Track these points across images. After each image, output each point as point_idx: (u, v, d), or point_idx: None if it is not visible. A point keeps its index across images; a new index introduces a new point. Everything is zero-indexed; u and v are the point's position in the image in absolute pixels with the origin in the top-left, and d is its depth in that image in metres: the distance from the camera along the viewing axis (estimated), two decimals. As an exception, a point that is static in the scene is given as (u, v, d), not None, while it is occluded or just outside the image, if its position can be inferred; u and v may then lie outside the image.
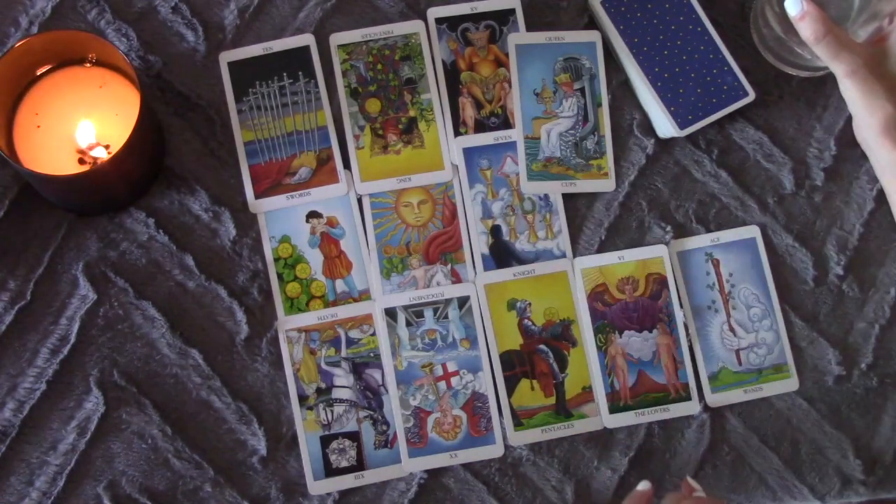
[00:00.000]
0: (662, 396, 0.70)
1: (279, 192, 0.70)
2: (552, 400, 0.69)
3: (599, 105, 0.73)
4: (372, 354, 0.69)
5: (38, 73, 0.67)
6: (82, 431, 0.66)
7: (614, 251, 0.72)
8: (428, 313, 0.70)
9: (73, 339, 0.67)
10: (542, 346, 0.70)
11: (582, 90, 0.73)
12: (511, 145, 0.72)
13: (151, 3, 0.72)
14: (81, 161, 0.66)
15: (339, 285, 0.70)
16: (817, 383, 0.71)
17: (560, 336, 0.70)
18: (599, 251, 0.72)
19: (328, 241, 0.70)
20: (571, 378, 0.70)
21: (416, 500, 0.68)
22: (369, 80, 0.72)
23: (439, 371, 0.69)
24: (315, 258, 0.70)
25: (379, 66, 0.73)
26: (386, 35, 0.73)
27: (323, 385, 0.68)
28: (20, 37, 0.70)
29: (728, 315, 0.71)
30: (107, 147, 0.66)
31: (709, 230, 0.72)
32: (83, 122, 0.66)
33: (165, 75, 0.71)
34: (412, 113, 0.72)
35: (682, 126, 0.71)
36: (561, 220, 0.72)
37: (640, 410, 0.69)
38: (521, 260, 0.71)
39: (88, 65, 0.67)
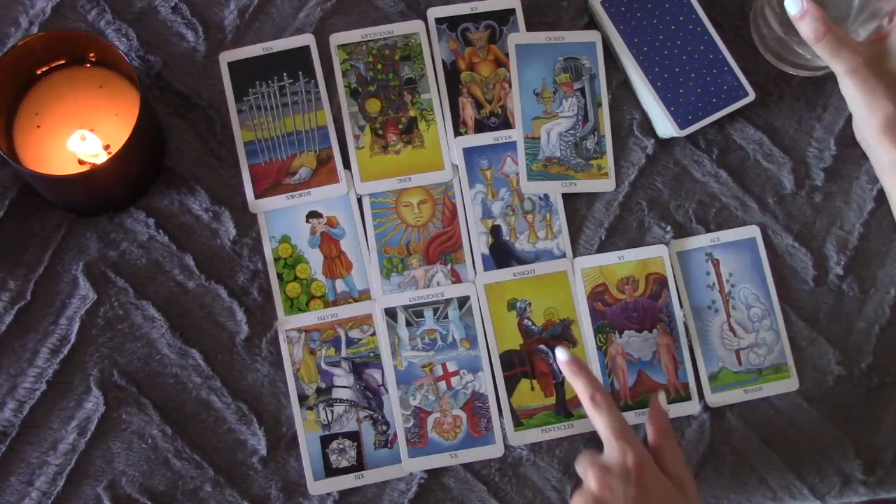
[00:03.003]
0: (662, 396, 0.70)
1: (279, 192, 0.70)
2: (552, 400, 0.69)
3: (599, 105, 0.73)
4: (372, 354, 0.69)
5: (38, 73, 0.67)
6: (82, 431, 0.66)
7: (614, 251, 0.72)
8: (428, 313, 0.70)
9: (73, 339, 0.67)
10: (542, 346, 0.70)
11: (582, 90, 0.73)
12: (511, 145, 0.72)
13: (151, 3, 0.72)
14: (81, 161, 0.66)
15: (339, 285, 0.70)
16: (817, 383, 0.71)
17: (560, 336, 0.70)
18: (599, 251, 0.72)
19: (328, 241, 0.70)
20: (571, 378, 0.70)
21: (416, 500, 0.68)
22: (369, 80, 0.72)
23: (439, 371, 0.69)
24: (315, 258, 0.70)
25: (379, 66, 0.73)
26: (386, 35, 0.73)
27: (323, 385, 0.68)
28: (20, 37, 0.70)
29: (728, 315, 0.71)
30: (107, 147, 0.66)
31: (709, 230, 0.72)
32: (77, 133, 0.66)
33: (165, 75, 0.71)
34: (412, 113, 0.72)
35: (682, 126, 0.71)
36: (561, 220, 0.72)
37: (640, 410, 0.69)
38: (521, 260, 0.71)
39: (88, 65, 0.67)
